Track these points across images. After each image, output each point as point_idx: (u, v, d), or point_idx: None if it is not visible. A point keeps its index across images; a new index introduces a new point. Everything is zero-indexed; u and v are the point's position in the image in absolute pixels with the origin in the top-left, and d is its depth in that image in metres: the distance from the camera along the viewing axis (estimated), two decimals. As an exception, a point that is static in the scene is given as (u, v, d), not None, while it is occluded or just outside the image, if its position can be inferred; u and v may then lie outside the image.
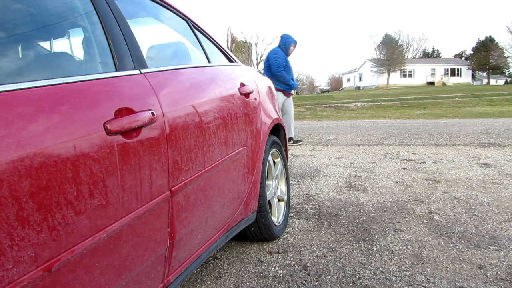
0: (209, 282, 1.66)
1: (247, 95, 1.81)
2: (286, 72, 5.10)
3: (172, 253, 1.16)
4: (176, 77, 1.36)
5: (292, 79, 5.19)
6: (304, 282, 1.62)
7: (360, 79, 52.85)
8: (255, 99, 1.91)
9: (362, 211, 2.46)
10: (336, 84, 66.60)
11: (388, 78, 43.13)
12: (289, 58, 5.22)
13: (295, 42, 5.23)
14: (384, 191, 2.89)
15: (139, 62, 1.17)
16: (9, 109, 0.71)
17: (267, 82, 2.27)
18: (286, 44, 5.16)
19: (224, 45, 2.06)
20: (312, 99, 22.51)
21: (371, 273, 1.66)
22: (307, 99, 23.57)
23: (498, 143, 4.79)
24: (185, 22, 1.72)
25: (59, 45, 1.30)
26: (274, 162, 2.19)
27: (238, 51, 7.06)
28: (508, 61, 48.40)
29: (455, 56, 57.17)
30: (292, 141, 5.49)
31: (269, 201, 2.04)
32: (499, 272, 1.61)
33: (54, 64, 1.09)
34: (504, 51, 47.37)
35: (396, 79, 46.26)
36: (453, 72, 50.15)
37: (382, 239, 2.01)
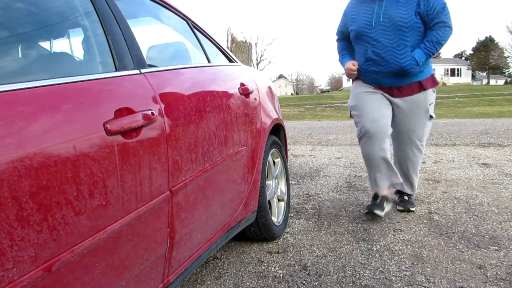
0: (209, 282, 1.66)
1: (247, 95, 1.81)
2: (354, 43, 2.32)
3: (172, 253, 1.16)
4: (176, 77, 1.36)
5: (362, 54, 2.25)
6: (304, 282, 1.62)
7: (360, 79, 52.71)
8: (255, 99, 1.91)
9: (362, 211, 2.46)
10: (336, 84, 66.60)
11: (388, 78, 42.99)
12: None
13: None
14: (384, 191, 2.89)
15: (139, 62, 1.17)
16: (10, 109, 0.71)
17: (267, 82, 2.27)
18: None
19: (224, 45, 2.06)
20: (312, 99, 22.49)
21: (371, 273, 1.66)
22: (307, 99, 23.56)
23: (498, 143, 4.79)
24: (185, 22, 1.72)
25: (59, 45, 1.30)
26: (274, 162, 2.19)
27: (238, 51, 7.04)
28: (508, 61, 48.47)
29: (455, 56, 57.15)
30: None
31: (269, 201, 2.04)
32: (499, 272, 1.61)
33: (54, 64, 1.09)
34: (504, 51, 47.42)
35: (396, 79, 46.15)
36: (453, 72, 50.13)
37: (382, 239, 2.01)
